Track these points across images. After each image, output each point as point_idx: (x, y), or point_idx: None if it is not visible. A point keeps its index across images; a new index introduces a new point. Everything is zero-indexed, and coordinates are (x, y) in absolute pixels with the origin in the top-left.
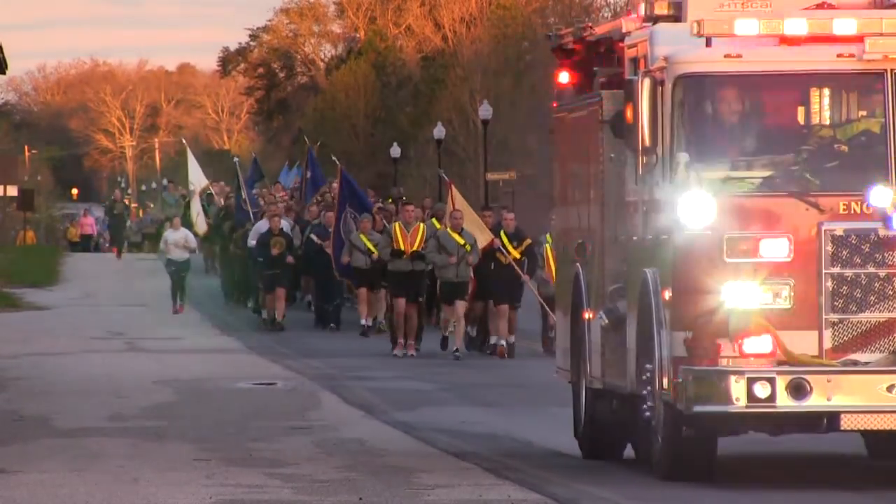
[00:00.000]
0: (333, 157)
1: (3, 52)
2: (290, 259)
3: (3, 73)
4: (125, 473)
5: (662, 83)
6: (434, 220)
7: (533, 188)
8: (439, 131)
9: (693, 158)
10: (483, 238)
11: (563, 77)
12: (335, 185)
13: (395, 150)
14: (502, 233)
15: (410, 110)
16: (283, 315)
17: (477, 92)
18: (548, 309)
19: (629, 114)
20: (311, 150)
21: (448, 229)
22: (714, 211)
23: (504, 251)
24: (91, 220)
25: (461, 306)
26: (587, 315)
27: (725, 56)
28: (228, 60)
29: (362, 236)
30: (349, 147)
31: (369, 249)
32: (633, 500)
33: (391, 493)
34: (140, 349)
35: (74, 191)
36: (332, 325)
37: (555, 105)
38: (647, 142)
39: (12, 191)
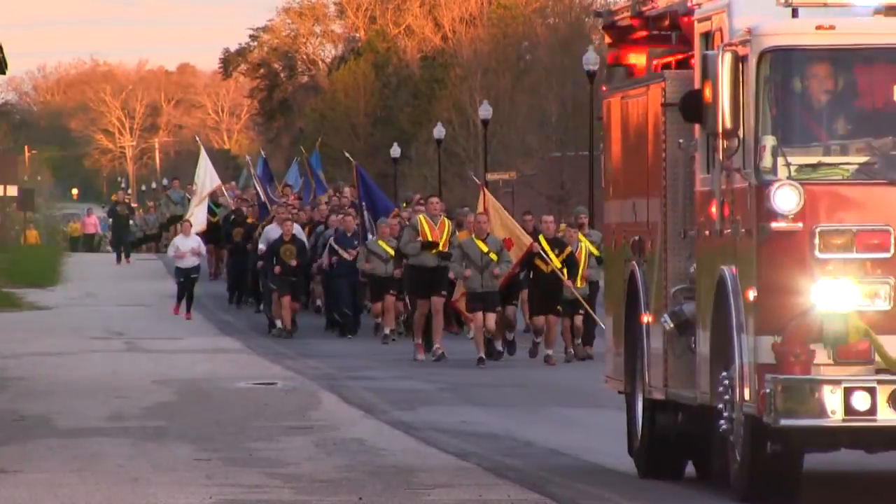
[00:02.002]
0: (346, 154)
1: (3, 52)
2: (294, 262)
3: (3, 73)
4: (125, 473)
5: (745, 59)
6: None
7: (533, 188)
8: (439, 131)
9: (781, 142)
10: (523, 243)
11: (617, 57)
12: (347, 189)
13: (395, 150)
14: (542, 238)
15: (410, 110)
16: (291, 323)
17: (477, 92)
18: (593, 314)
19: (708, 93)
20: (311, 159)
21: (472, 236)
22: (805, 201)
23: (545, 257)
24: (94, 220)
25: (490, 319)
26: (646, 319)
27: (817, 28)
28: (229, 61)
29: (381, 242)
30: (349, 147)
31: (390, 255)
32: (634, 501)
33: (391, 493)
34: (140, 349)
35: (74, 191)
36: (348, 335)
37: (604, 88)
38: (728, 124)
39: (12, 191)
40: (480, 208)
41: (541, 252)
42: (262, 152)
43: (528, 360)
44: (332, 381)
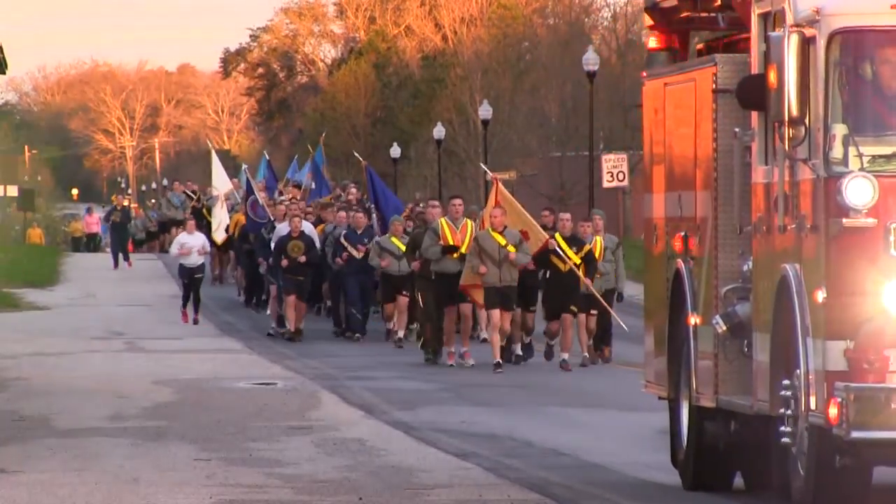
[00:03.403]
0: (356, 155)
1: (3, 52)
2: (301, 258)
3: (3, 73)
4: (125, 473)
5: (813, 41)
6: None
7: (533, 188)
8: (439, 131)
9: (852, 131)
10: (538, 239)
11: (657, 41)
12: (352, 188)
13: (395, 150)
14: (558, 236)
15: (410, 110)
16: (299, 324)
17: (477, 92)
18: (615, 316)
19: (772, 78)
20: (315, 157)
21: (488, 229)
22: (879, 194)
23: (562, 254)
24: (96, 219)
25: (507, 318)
26: (693, 320)
27: (892, 7)
28: (229, 61)
29: (394, 239)
30: (349, 147)
31: (403, 253)
32: (633, 500)
33: (391, 493)
34: (140, 349)
35: (74, 191)
36: (357, 335)
37: (644, 74)
38: (794, 112)
39: (12, 191)
40: (492, 203)
41: (557, 249)
42: (266, 156)
43: (529, 361)
44: (332, 381)
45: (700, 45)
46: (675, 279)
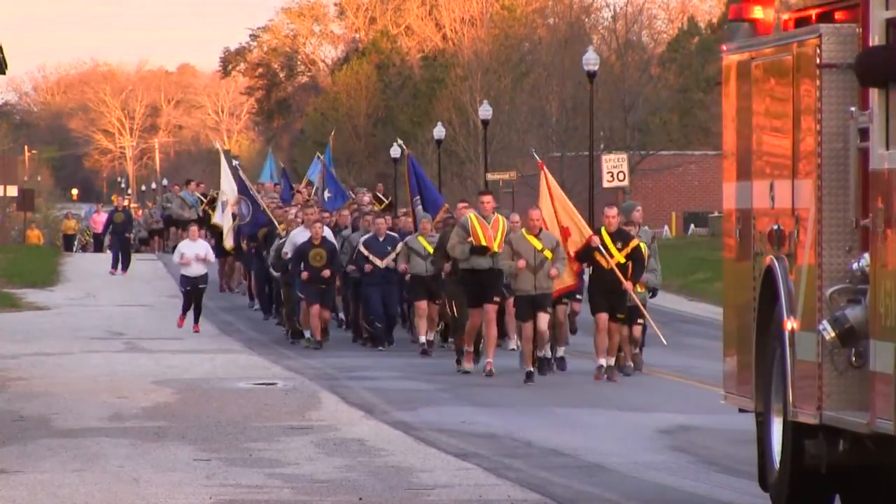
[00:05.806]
0: (398, 142)
1: (3, 52)
2: (325, 273)
3: (3, 73)
4: (125, 473)
5: None
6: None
7: (533, 188)
8: (439, 131)
9: None
10: (582, 235)
11: (740, 11)
12: (364, 196)
13: (395, 151)
14: (603, 231)
15: (411, 110)
16: (321, 334)
17: (477, 92)
18: (650, 320)
19: None
20: (327, 165)
21: (523, 231)
22: None
23: (605, 252)
24: (104, 218)
25: (543, 319)
26: (790, 325)
27: None
28: (229, 61)
29: (421, 239)
30: (350, 147)
31: (429, 253)
32: (633, 500)
33: (391, 493)
34: (140, 349)
35: (74, 191)
36: (380, 347)
37: (724, 48)
38: None
39: (12, 191)
40: (544, 193)
41: (600, 247)
42: (281, 164)
43: (561, 373)
44: (332, 381)
45: (787, 18)
46: (766, 278)
